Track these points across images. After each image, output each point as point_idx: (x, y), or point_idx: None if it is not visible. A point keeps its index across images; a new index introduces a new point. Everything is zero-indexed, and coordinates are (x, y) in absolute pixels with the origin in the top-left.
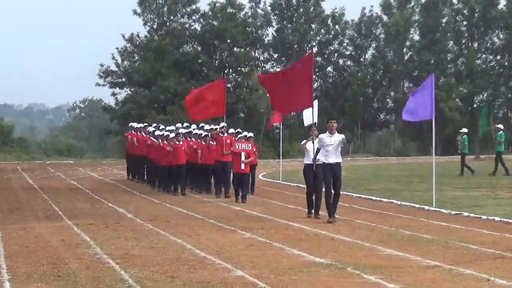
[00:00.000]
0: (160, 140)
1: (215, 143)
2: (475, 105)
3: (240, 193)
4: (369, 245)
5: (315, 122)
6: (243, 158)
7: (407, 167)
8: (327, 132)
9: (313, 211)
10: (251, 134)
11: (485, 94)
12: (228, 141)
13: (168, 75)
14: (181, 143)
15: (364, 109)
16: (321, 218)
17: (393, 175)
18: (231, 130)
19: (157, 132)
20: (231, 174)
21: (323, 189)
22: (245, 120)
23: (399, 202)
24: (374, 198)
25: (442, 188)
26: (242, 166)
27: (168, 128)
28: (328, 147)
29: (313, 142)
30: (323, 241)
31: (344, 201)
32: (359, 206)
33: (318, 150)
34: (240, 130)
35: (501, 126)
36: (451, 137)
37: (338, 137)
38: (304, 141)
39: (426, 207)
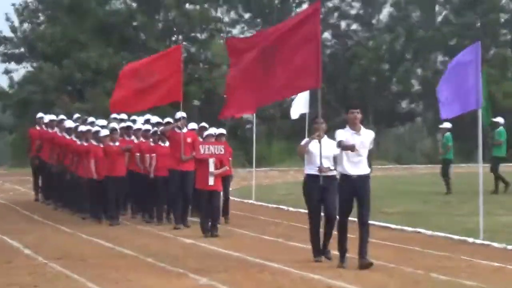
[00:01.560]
0: (84, 140)
1: (167, 144)
2: None
3: (209, 223)
4: None
5: (321, 112)
6: (212, 167)
7: (441, 179)
8: (348, 127)
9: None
10: (222, 131)
11: None
12: (189, 140)
13: (89, 43)
14: (117, 144)
15: (377, 94)
16: (333, 260)
17: (421, 191)
18: (192, 125)
19: (81, 128)
20: (191, 191)
21: (338, 216)
22: (201, 109)
23: (429, 233)
24: (393, 226)
25: (494, 211)
26: (211, 181)
27: (96, 122)
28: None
29: (319, 141)
30: None
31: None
32: (371, 238)
33: (346, 145)
34: (206, 125)
35: (500, 119)
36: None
37: (367, 135)
38: (306, 140)
39: (470, 240)
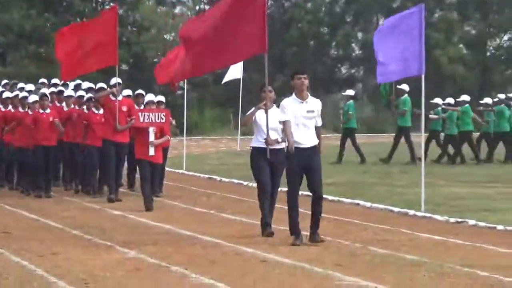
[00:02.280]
0: (11, 107)
1: (101, 112)
2: (488, 54)
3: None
4: (321, 271)
5: (269, 82)
6: (152, 137)
7: (382, 149)
8: (295, 95)
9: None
10: (161, 98)
11: (505, 37)
12: (125, 108)
13: (9, 4)
14: (47, 111)
15: (316, 59)
16: (279, 235)
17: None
18: (127, 92)
19: (5, 94)
20: (122, 165)
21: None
22: (130, 74)
23: (369, 204)
24: (330, 197)
25: (437, 182)
26: (152, 151)
27: (23, 86)
28: (300, 120)
29: (266, 112)
30: (250, 264)
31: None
32: (307, 210)
33: (288, 135)
34: (143, 92)
35: (405, 86)
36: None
37: (315, 104)
38: (252, 109)
39: (411, 212)
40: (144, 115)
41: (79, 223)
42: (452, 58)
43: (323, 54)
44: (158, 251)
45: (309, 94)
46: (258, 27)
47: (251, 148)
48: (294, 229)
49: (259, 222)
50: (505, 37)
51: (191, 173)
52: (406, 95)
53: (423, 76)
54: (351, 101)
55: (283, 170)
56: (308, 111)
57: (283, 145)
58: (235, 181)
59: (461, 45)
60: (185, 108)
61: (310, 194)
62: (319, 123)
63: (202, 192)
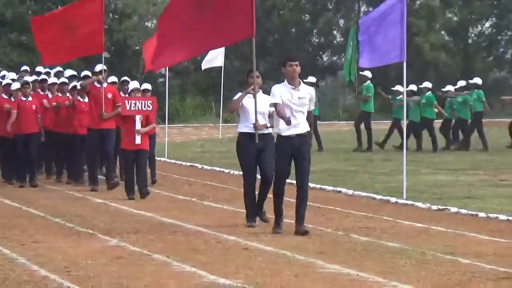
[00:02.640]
0: None
1: (86, 100)
2: (470, 41)
3: (136, 186)
4: (303, 259)
5: (256, 67)
6: (138, 125)
7: (364, 137)
8: (286, 81)
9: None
10: (147, 86)
11: (486, 24)
12: (110, 95)
13: None
14: (29, 99)
15: (298, 46)
16: (270, 223)
17: (343, 149)
18: (112, 79)
19: None
20: (112, 149)
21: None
22: (111, 62)
23: (350, 192)
24: (312, 185)
25: (419, 170)
26: (138, 140)
27: (5, 74)
28: (290, 107)
29: (254, 96)
30: (232, 252)
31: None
32: (290, 198)
33: (283, 116)
34: (128, 79)
35: (368, 73)
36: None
37: (306, 91)
38: (239, 94)
39: (393, 200)
40: (131, 103)
41: (61, 211)
42: (434, 45)
43: (304, 42)
44: (140, 239)
45: (301, 82)
46: (246, 11)
47: (238, 134)
48: (276, 217)
49: (243, 211)
50: (487, 24)
51: (173, 161)
52: (369, 81)
53: (404, 63)
54: (369, 83)
55: (273, 154)
56: (299, 98)
57: (271, 130)
58: (217, 168)
59: (443, 32)
60: (166, 95)
61: (296, 183)
62: (312, 107)
63: (184, 180)
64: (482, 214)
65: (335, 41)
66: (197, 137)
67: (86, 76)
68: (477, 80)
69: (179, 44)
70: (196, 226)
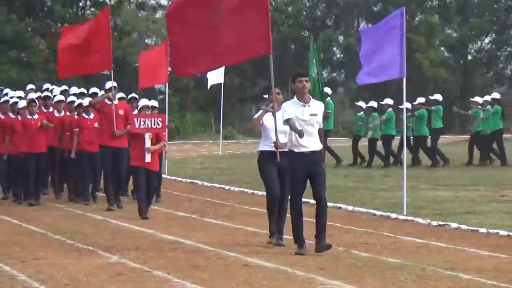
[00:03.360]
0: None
1: (92, 117)
2: (470, 57)
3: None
4: (304, 275)
5: (276, 84)
6: (148, 143)
7: (363, 151)
8: (296, 98)
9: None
10: (154, 103)
11: (486, 40)
12: (121, 112)
13: None
14: (35, 116)
15: (297, 62)
16: (287, 246)
17: (342, 165)
18: (121, 95)
19: None
20: (124, 169)
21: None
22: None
23: (350, 208)
24: (312, 201)
25: (419, 185)
26: (148, 158)
27: (8, 92)
28: (302, 124)
29: (274, 115)
30: (232, 268)
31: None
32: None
33: (295, 129)
34: (136, 96)
35: (328, 90)
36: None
37: (317, 107)
38: (260, 112)
39: (393, 215)
40: (140, 120)
41: (61, 228)
42: (433, 61)
43: (304, 58)
44: (140, 256)
45: (311, 97)
46: (262, 27)
47: (258, 152)
48: (298, 238)
49: (247, 228)
50: (486, 40)
51: (173, 177)
52: (329, 98)
53: (404, 79)
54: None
55: None
56: (311, 115)
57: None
58: (217, 185)
59: (442, 48)
60: (166, 112)
61: (314, 201)
62: (320, 125)
63: (184, 197)
64: (482, 230)
65: (334, 58)
66: (197, 153)
67: (95, 94)
68: (437, 97)
69: (197, 57)
70: (197, 243)
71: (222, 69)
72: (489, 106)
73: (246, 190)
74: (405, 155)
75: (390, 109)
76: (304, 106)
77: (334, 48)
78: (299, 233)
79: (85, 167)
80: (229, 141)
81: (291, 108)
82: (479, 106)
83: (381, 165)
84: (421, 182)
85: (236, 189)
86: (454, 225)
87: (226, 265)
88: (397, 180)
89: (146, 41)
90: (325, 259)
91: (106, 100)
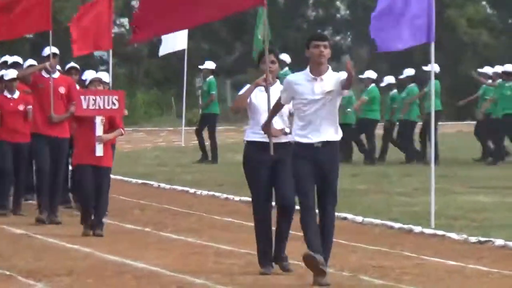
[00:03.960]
0: None
1: (16, 95)
2: None
3: (92, 216)
4: None
5: (272, 49)
6: (100, 131)
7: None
8: (308, 69)
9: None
10: (104, 76)
11: None
12: (63, 89)
13: None
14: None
15: (287, 22)
16: (293, 271)
17: (348, 160)
18: (71, 64)
19: None
20: (63, 165)
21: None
22: (36, 45)
23: (360, 219)
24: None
25: (452, 188)
26: (99, 150)
27: None
28: (310, 105)
29: (267, 90)
30: None
31: (233, 213)
32: None
33: (291, 114)
34: (77, 66)
35: (286, 57)
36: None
37: (333, 80)
38: (247, 86)
39: (417, 229)
40: (89, 99)
41: None
42: (472, 20)
43: (297, 16)
44: (74, 283)
45: (329, 68)
46: None
47: (245, 143)
48: (313, 248)
49: (218, 245)
50: None
51: (119, 177)
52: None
53: (432, 45)
54: (211, 77)
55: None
56: (324, 93)
57: (291, 137)
58: (179, 187)
59: (484, 3)
60: (110, 89)
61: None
62: (345, 93)
63: (133, 203)
64: None
65: (338, 15)
66: (151, 144)
67: (31, 66)
68: (409, 72)
69: (170, 12)
70: (150, 266)
71: (185, 31)
72: (499, 81)
73: (217, 194)
74: (433, 147)
75: (373, 85)
76: (315, 80)
77: (338, 2)
78: (314, 246)
79: (6, 165)
80: (194, 128)
81: (296, 86)
82: (489, 81)
83: (401, 160)
84: (454, 184)
85: (204, 193)
86: (499, 242)
87: None
88: (422, 180)
89: None
90: None
91: (43, 72)
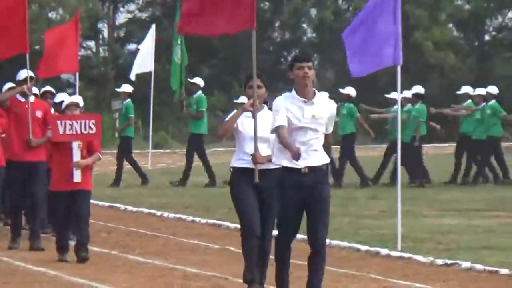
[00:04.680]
0: None
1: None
2: (487, 37)
3: (75, 240)
4: None
5: (258, 74)
6: (77, 156)
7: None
8: (294, 91)
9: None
10: (78, 99)
11: (509, 14)
12: (39, 113)
13: None
14: None
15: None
16: None
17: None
18: (46, 88)
19: None
20: (42, 191)
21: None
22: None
23: (328, 241)
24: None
25: (419, 211)
26: (76, 176)
27: None
28: (299, 130)
29: (254, 116)
30: None
31: (199, 235)
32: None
33: (288, 145)
34: (52, 90)
35: (199, 80)
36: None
37: (325, 105)
38: (233, 112)
39: (384, 251)
40: (66, 124)
41: None
42: (438, 43)
43: (263, 38)
44: None
45: (316, 91)
46: None
47: (231, 170)
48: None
49: (185, 267)
50: (510, 14)
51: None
52: (200, 91)
53: (398, 68)
54: (128, 100)
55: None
56: (313, 117)
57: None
58: (145, 210)
59: (451, 25)
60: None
61: (308, 243)
62: (330, 130)
63: (100, 226)
64: (504, 271)
65: (304, 37)
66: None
67: (11, 88)
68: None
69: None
70: None
71: (152, 53)
72: (483, 104)
73: (184, 217)
74: (399, 168)
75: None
76: (306, 103)
77: (304, 25)
78: (283, 283)
79: None
80: (162, 150)
81: (286, 107)
82: (464, 112)
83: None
84: (422, 206)
85: (171, 215)
86: (466, 264)
87: None
88: (389, 203)
89: (50, 15)
90: None
91: (18, 96)
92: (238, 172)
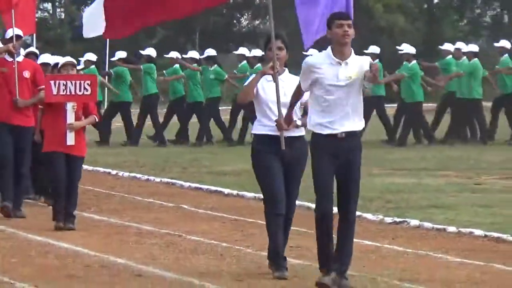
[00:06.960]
0: None
1: None
2: (436, 0)
3: (64, 208)
4: None
5: (279, 34)
6: (71, 118)
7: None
8: (330, 50)
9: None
10: (70, 60)
11: None
12: (27, 73)
13: None
14: None
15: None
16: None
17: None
18: (30, 49)
19: None
20: (28, 159)
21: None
22: None
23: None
24: (227, 191)
25: (369, 170)
26: (70, 139)
27: None
28: (333, 91)
29: (275, 79)
30: (120, 280)
31: (154, 194)
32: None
33: (305, 106)
34: (36, 51)
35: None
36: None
37: (357, 65)
38: (252, 76)
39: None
40: (59, 84)
41: None
42: (388, 6)
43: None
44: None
45: (352, 51)
46: None
47: (252, 136)
48: (323, 261)
49: (140, 225)
50: None
51: (91, 167)
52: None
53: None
54: (92, 67)
55: (303, 171)
56: (347, 78)
57: (303, 131)
58: (101, 169)
59: None
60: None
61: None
62: (368, 90)
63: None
64: (451, 229)
65: (257, 0)
66: None
67: None
68: (374, 50)
69: (135, 9)
70: (73, 246)
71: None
72: (464, 58)
73: (139, 175)
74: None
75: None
76: (340, 64)
77: None
78: (325, 255)
79: None
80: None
81: (316, 70)
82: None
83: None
84: (371, 166)
85: (126, 174)
86: (414, 222)
87: (112, 275)
88: None
89: None
90: (245, 268)
91: (5, 55)
92: (261, 139)
